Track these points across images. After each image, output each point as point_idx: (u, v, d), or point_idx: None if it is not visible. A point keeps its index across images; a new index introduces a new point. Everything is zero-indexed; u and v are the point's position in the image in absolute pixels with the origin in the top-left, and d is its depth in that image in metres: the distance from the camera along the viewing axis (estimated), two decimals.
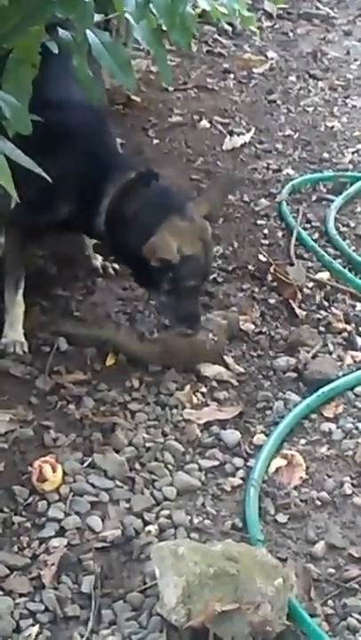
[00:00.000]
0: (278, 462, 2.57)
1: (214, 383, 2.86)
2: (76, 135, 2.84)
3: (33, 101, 2.30)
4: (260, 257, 3.45)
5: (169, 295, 2.86)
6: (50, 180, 2.12)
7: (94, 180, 2.85)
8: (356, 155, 4.34)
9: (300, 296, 3.26)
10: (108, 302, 3.14)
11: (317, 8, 6.27)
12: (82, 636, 2.07)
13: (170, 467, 2.55)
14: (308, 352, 2.98)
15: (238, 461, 2.59)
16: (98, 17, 2.60)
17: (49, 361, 2.82)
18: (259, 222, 3.71)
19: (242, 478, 2.53)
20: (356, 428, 2.72)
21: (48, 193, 2.64)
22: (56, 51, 2.42)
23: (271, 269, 3.34)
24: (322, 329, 3.14)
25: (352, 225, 3.79)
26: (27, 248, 3.00)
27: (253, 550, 2.18)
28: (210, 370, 2.88)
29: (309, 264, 3.48)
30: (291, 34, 5.82)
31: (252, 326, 3.10)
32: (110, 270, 3.24)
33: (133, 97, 4.33)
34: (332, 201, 3.91)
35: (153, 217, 2.80)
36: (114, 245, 2.96)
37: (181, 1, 2.31)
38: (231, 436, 2.67)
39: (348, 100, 4.94)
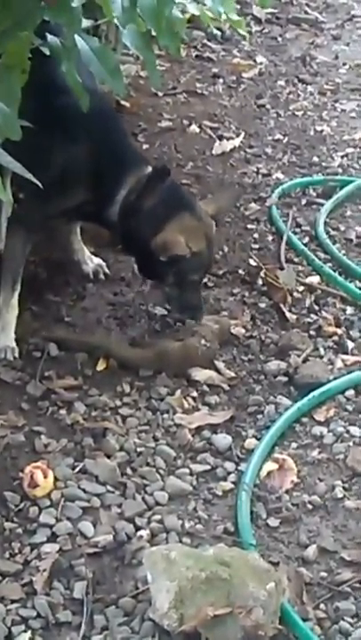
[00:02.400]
0: (270, 466, 2.57)
1: (205, 387, 2.86)
2: (97, 122, 2.86)
3: (51, 87, 2.50)
4: (251, 261, 3.45)
5: (173, 287, 2.97)
6: (40, 185, 2.12)
7: (112, 169, 2.90)
8: (345, 159, 4.34)
9: (290, 300, 3.27)
10: (99, 307, 3.14)
11: (306, 13, 6.28)
12: None
13: (161, 471, 2.55)
14: (298, 356, 2.98)
15: (230, 466, 2.59)
16: (87, 22, 2.60)
17: (40, 366, 2.82)
18: (249, 226, 3.72)
19: (233, 482, 2.53)
20: (348, 432, 2.73)
21: (65, 178, 2.82)
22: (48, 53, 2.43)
23: (261, 273, 3.34)
24: (312, 333, 3.14)
25: (342, 229, 3.80)
26: (30, 246, 2.98)
27: (245, 554, 2.18)
28: (201, 374, 2.88)
29: (300, 268, 3.48)
30: (280, 38, 5.83)
31: (243, 330, 3.10)
32: (101, 275, 3.25)
33: (123, 102, 4.33)
34: (322, 205, 3.91)
35: (165, 212, 2.90)
36: (124, 236, 3.00)
37: (167, 4, 2.31)
38: (223, 440, 2.67)
39: (337, 105, 4.95)
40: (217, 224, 3.08)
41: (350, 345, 3.10)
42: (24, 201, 3.00)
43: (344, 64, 5.53)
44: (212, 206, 3.11)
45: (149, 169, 2.95)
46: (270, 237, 3.68)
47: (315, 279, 3.43)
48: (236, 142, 4.35)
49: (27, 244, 2.96)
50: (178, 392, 2.81)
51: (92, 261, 3.27)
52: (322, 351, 3.06)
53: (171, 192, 2.96)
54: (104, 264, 3.28)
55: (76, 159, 2.86)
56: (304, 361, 2.97)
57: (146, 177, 2.92)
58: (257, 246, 3.59)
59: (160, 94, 4.66)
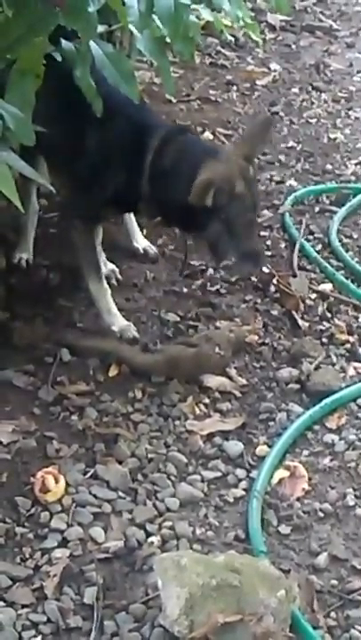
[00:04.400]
0: (281, 473, 2.57)
1: (217, 394, 2.85)
2: (116, 102, 2.79)
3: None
4: (263, 268, 3.45)
5: (225, 238, 2.87)
6: (53, 189, 2.14)
7: (136, 139, 2.87)
8: (358, 166, 4.34)
9: (302, 307, 3.26)
10: None
11: (320, 20, 6.29)
12: None
13: (172, 478, 2.55)
14: (310, 363, 2.98)
15: (241, 472, 2.59)
16: (101, 28, 2.61)
17: (52, 372, 2.82)
18: (262, 233, 3.71)
19: (244, 489, 2.53)
20: (359, 440, 2.72)
21: (101, 166, 2.86)
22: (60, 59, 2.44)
23: (274, 281, 3.34)
24: (325, 340, 3.14)
25: (355, 236, 3.80)
26: (95, 232, 3.02)
27: (256, 561, 2.17)
28: (213, 381, 2.88)
29: (312, 275, 3.48)
30: (294, 46, 5.83)
31: (255, 337, 3.09)
32: (113, 281, 3.24)
33: None
34: (335, 212, 3.91)
35: (194, 161, 2.80)
36: (159, 202, 2.94)
37: (185, 9, 2.31)
38: (234, 447, 2.66)
39: (350, 112, 4.95)
40: (253, 164, 2.95)
41: None
42: (71, 195, 3.08)
43: (358, 72, 5.53)
44: (244, 148, 2.95)
45: (168, 128, 2.94)
46: (283, 244, 3.68)
47: (327, 286, 3.42)
48: None
49: (90, 231, 3.00)
50: (189, 398, 2.81)
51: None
52: (334, 359, 3.05)
53: (194, 143, 2.94)
54: (117, 270, 3.29)
55: (107, 139, 2.84)
56: (316, 368, 2.97)
57: (166, 134, 2.88)
58: (270, 253, 3.59)
59: (174, 101, 4.66)
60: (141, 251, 3.43)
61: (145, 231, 3.51)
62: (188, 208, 2.80)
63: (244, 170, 2.88)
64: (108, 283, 3.22)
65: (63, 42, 2.44)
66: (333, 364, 3.02)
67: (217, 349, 2.91)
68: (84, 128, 2.82)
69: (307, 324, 3.20)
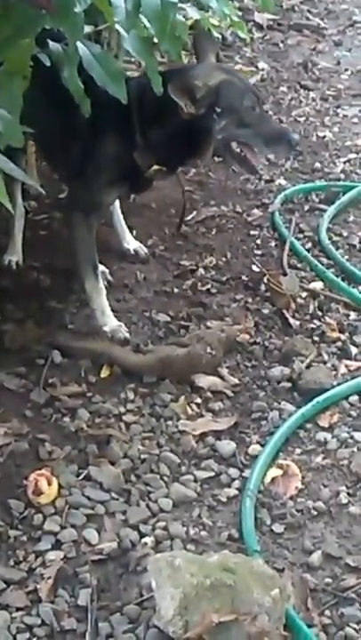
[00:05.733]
0: (274, 472, 2.57)
1: (209, 394, 2.85)
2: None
3: None
4: (254, 267, 3.45)
5: (235, 131, 2.82)
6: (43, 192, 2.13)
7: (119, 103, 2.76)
8: (347, 164, 4.35)
9: (293, 306, 3.26)
10: None
11: (308, 19, 6.29)
12: None
13: (165, 478, 2.55)
14: (302, 362, 2.98)
15: (234, 472, 2.59)
16: (88, 29, 2.60)
17: (44, 373, 2.82)
18: (252, 233, 3.72)
19: (238, 489, 2.53)
20: (352, 438, 2.72)
21: (97, 143, 2.84)
22: (48, 63, 2.43)
23: (264, 279, 3.34)
24: (316, 338, 3.14)
25: (345, 234, 3.80)
26: (94, 228, 2.99)
27: (250, 561, 2.17)
28: (204, 381, 2.88)
29: (303, 274, 3.48)
30: (281, 45, 5.83)
31: (247, 337, 3.09)
32: (104, 283, 3.24)
33: None
34: (325, 210, 3.91)
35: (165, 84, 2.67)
36: (156, 145, 2.87)
37: (172, 9, 2.31)
38: (226, 446, 2.66)
39: (339, 110, 4.95)
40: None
41: (354, 350, 3.09)
42: (74, 186, 3.04)
43: (346, 70, 5.54)
44: (209, 53, 2.92)
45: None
46: (273, 243, 3.68)
47: (318, 285, 3.42)
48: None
49: (90, 227, 2.97)
50: (182, 398, 2.81)
51: None
52: (325, 357, 3.05)
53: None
54: (107, 271, 3.28)
55: (94, 116, 2.70)
56: (308, 367, 2.97)
57: (138, 84, 2.78)
58: (260, 252, 3.59)
59: None
60: (132, 251, 3.43)
61: (135, 232, 3.51)
62: (185, 129, 2.77)
63: (218, 67, 2.85)
64: None
65: (50, 43, 2.43)
66: (325, 362, 3.02)
67: (208, 349, 2.91)
68: (71, 113, 2.77)
69: (298, 323, 3.20)
